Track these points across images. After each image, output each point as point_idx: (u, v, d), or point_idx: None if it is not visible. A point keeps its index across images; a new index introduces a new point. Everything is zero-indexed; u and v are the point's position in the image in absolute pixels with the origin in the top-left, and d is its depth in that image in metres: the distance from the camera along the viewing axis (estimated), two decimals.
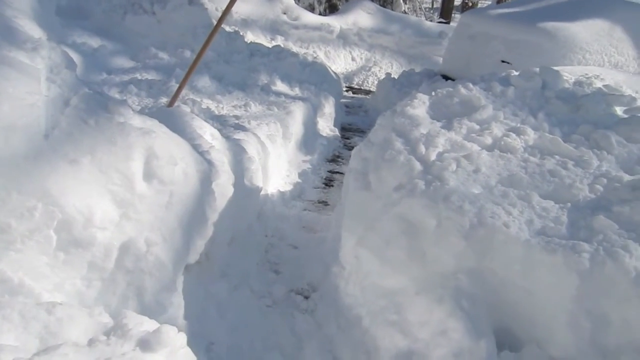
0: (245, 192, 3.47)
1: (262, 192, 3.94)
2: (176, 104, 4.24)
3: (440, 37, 11.58)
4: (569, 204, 2.22)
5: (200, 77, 5.55)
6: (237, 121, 4.54)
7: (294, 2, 11.24)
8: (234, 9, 10.00)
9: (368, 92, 9.48)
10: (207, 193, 2.68)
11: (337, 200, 4.58)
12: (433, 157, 2.51)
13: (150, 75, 5.45)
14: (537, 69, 3.22)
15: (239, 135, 3.94)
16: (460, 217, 2.15)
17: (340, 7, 14.33)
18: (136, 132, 2.31)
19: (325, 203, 4.53)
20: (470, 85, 2.98)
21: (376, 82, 10.05)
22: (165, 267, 2.29)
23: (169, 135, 2.52)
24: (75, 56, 5.31)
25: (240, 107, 5.13)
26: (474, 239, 2.12)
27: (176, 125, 3.03)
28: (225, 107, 5.06)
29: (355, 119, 7.44)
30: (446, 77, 7.61)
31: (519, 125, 2.71)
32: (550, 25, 6.60)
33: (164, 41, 6.17)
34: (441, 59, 11.71)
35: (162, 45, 6.09)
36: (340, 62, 10.77)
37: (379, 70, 10.56)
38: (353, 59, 10.97)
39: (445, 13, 18.36)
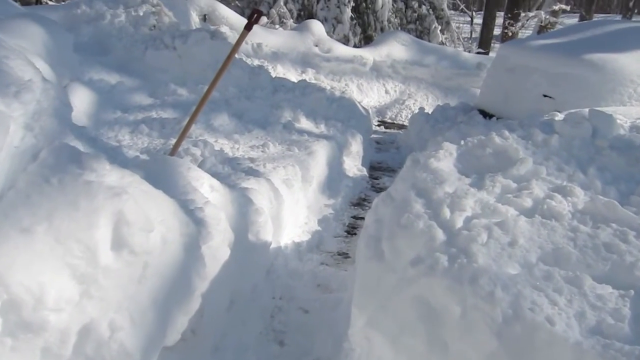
0: (250, 249, 3.09)
1: (274, 245, 3.56)
2: (183, 146, 3.93)
3: (478, 69, 11.12)
4: (631, 291, 1.75)
5: (219, 115, 5.26)
6: (251, 164, 4.19)
7: (326, 34, 11.01)
8: (264, 41, 9.83)
9: (401, 127, 9.07)
10: (195, 259, 2.31)
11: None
12: (459, 223, 2.07)
13: (166, 113, 5.20)
14: (586, 112, 2.76)
15: (249, 183, 3.58)
16: (491, 308, 1.71)
17: (375, 38, 14.08)
18: (105, 193, 1.97)
19: (345, 255, 4.11)
20: (506, 133, 2.54)
21: (410, 116, 9.66)
22: (131, 355, 1.91)
23: (148, 194, 2.17)
24: (90, 94, 5.13)
25: (257, 147, 4.79)
26: (509, 338, 1.67)
27: (169, 177, 2.69)
28: (242, 147, 4.74)
29: (385, 156, 7.03)
30: (483, 112, 7.14)
31: (565, 183, 2.26)
32: (596, 56, 6.10)
33: (184, 77, 5.94)
34: (478, 90, 11.34)
35: (182, 81, 5.86)
36: (373, 95, 10.42)
37: (414, 104, 10.15)
38: (387, 92, 10.62)
39: (484, 43, 17.89)
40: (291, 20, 13.29)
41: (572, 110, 3.05)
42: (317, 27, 10.87)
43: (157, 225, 2.09)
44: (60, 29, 5.20)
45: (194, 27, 8.30)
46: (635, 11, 32.16)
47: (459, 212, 2.12)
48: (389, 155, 7.09)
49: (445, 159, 2.43)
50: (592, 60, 6.04)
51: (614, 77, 5.96)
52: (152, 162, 2.84)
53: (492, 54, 17.40)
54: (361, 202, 5.29)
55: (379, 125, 8.87)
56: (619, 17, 31.47)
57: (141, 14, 6.60)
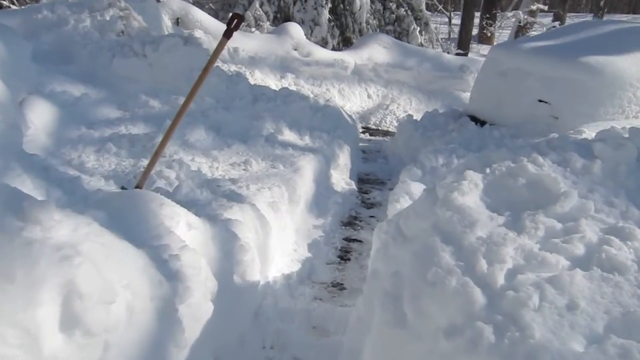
0: (235, 293, 2.65)
1: (261, 283, 3.13)
2: (156, 168, 3.47)
3: (461, 71, 10.81)
4: None
5: (195, 129, 4.80)
6: (233, 187, 3.74)
7: (304, 37, 10.58)
8: (240, 45, 9.37)
9: (386, 133, 8.69)
10: (171, 326, 1.87)
11: (355, 281, 3.76)
12: (501, 279, 1.67)
13: (136, 128, 4.71)
14: (626, 129, 2.38)
15: (232, 212, 3.13)
16: None
17: (354, 40, 13.70)
18: (50, 257, 1.51)
19: (340, 286, 3.69)
20: (540, 159, 2.15)
21: (395, 122, 9.28)
22: None
23: (110, 249, 1.72)
24: (51, 108, 4.59)
25: (239, 165, 4.34)
26: None
27: (138, 218, 2.24)
28: (222, 166, 4.28)
29: (373, 167, 6.62)
30: (474, 118, 6.79)
31: (620, 223, 1.87)
32: (594, 59, 5.78)
33: (155, 87, 5.45)
34: (462, 93, 11.02)
35: (154, 92, 5.37)
36: (355, 100, 10.02)
37: (397, 108, 9.79)
38: (369, 96, 10.22)
39: (463, 44, 17.65)
40: (267, 23, 12.83)
41: (604, 126, 2.67)
42: (295, 30, 10.44)
43: (121, 291, 1.64)
44: (15, 36, 4.68)
45: (166, 32, 7.80)
46: (606, 10, 32.45)
47: (498, 264, 1.71)
48: (377, 165, 6.69)
49: (470, 193, 2.03)
50: (589, 64, 5.72)
51: (613, 81, 5.65)
52: (117, 198, 2.38)
53: (471, 55, 17.20)
54: (352, 221, 4.88)
55: (363, 132, 8.48)
56: (590, 16, 31.69)
57: (108, 18, 6.09)
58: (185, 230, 2.39)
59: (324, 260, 4.03)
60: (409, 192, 4.34)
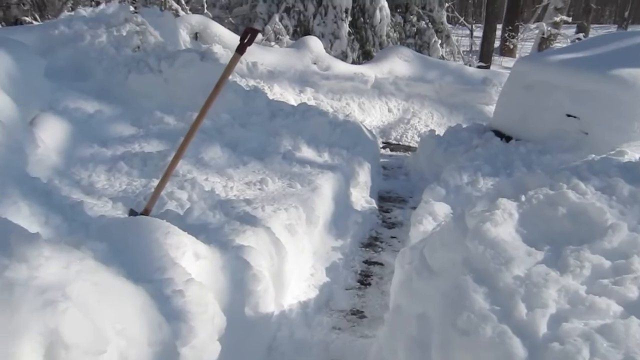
0: (247, 327, 2.47)
1: (276, 312, 2.94)
2: (167, 189, 3.32)
3: (484, 84, 10.56)
4: None
5: (210, 146, 4.65)
6: (247, 208, 3.58)
7: (324, 51, 10.45)
8: (259, 59, 9.26)
9: (408, 148, 8.47)
10: None
11: (376, 308, 3.55)
12: (543, 328, 1.46)
13: (150, 146, 4.59)
14: None
15: (244, 237, 2.96)
16: None
17: (374, 53, 13.55)
18: (32, 302, 1.35)
19: (360, 314, 3.48)
20: (582, 186, 1.93)
21: (416, 136, 9.07)
22: None
23: (103, 289, 1.55)
24: (64, 125, 4.49)
25: (254, 184, 4.18)
26: None
27: (140, 249, 2.07)
28: (237, 185, 4.12)
29: (394, 184, 6.41)
30: (499, 133, 6.55)
31: None
32: (625, 72, 5.52)
33: (171, 103, 5.33)
34: (485, 107, 10.77)
35: (169, 108, 5.25)
36: (375, 114, 9.83)
37: (418, 122, 9.57)
38: (389, 110, 10.02)
39: (485, 56, 17.40)
40: (287, 37, 12.75)
41: None
42: (315, 43, 10.32)
43: (114, 339, 1.47)
44: (28, 52, 4.60)
45: (184, 47, 7.72)
46: (630, 21, 31.88)
47: (540, 309, 1.50)
48: (398, 183, 6.47)
49: (504, 224, 1.82)
50: (621, 76, 5.46)
51: None
52: (119, 226, 2.22)
53: (493, 68, 16.92)
54: (373, 242, 4.67)
55: (384, 147, 8.27)
56: (614, 28, 31.17)
57: (124, 33, 6.01)
58: (192, 260, 2.22)
59: (343, 285, 3.83)
60: (432, 212, 4.12)
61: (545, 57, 6.52)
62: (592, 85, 5.63)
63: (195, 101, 5.33)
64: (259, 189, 4.10)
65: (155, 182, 3.67)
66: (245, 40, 2.81)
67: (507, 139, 6.32)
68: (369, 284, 3.91)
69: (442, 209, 4.19)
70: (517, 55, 20.69)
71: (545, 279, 1.59)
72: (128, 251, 2.01)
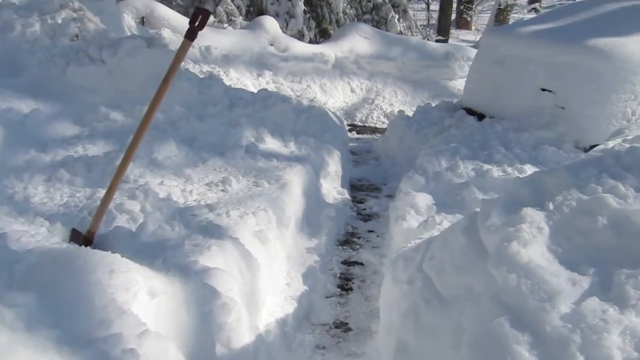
0: None
1: (251, 339, 2.53)
2: (115, 200, 2.86)
3: (446, 59, 10.31)
4: None
5: (164, 144, 4.17)
6: (210, 215, 3.15)
7: (280, 31, 9.94)
8: (213, 43, 8.71)
9: (375, 130, 8.13)
10: None
11: (360, 318, 3.20)
12: None
13: (96, 147, 4.07)
14: None
15: (209, 255, 2.54)
16: None
17: (331, 31, 13.10)
18: None
19: (345, 327, 3.12)
20: (622, 188, 1.58)
21: (382, 117, 8.73)
22: None
23: None
24: None
25: (216, 185, 3.73)
26: None
27: (77, 298, 1.63)
28: (196, 187, 3.66)
29: (365, 170, 6.05)
30: (470, 111, 6.26)
31: None
32: (602, 42, 5.27)
33: (117, 97, 4.79)
34: (449, 82, 10.50)
35: (115, 103, 4.72)
36: (338, 95, 9.43)
37: (383, 101, 9.23)
38: (352, 91, 9.65)
39: (443, 30, 17.14)
40: (240, 18, 12.14)
41: None
42: (270, 23, 9.80)
43: None
44: None
45: (129, 34, 7.11)
46: None
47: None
48: (369, 169, 6.11)
49: (534, 242, 1.47)
50: (598, 47, 5.21)
51: (624, 65, 5.15)
52: (50, 268, 1.76)
53: (451, 41, 16.68)
54: (349, 239, 4.31)
55: (350, 130, 7.88)
56: None
57: (60, 21, 5.40)
58: (146, 301, 1.79)
59: (323, 292, 3.46)
60: (413, 205, 3.78)
61: (515, 28, 6.22)
62: (567, 57, 5.37)
63: (145, 93, 4.79)
64: (222, 190, 3.66)
65: (102, 192, 3.18)
66: (196, 24, 2.35)
67: (480, 116, 6.04)
68: (351, 289, 3.55)
69: (424, 200, 3.85)
70: (472, 28, 20.53)
71: (603, 320, 1.24)
72: (62, 302, 1.57)
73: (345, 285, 3.60)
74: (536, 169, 4.45)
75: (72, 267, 1.75)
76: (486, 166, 4.34)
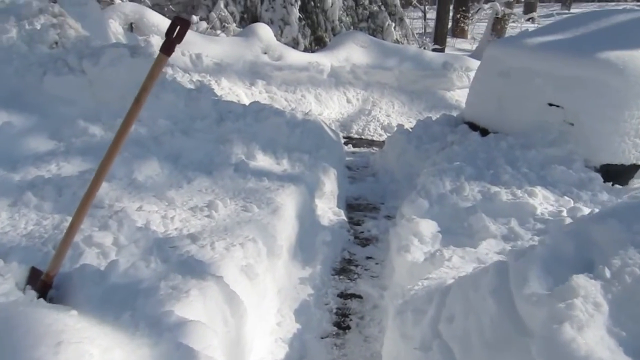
0: None
1: None
2: (84, 232, 2.52)
3: (444, 69, 10.01)
4: None
5: (145, 162, 3.84)
6: (192, 247, 2.81)
7: (274, 38, 9.63)
8: (204, 50, 8.40)
9: (371, 143, 7.82)
10: None
11: None
12: None
13: (70, 166, 3.72)
14: None
15: (188, 302, 2.19)
16: None
17: (327, 39, 12.82)
18: None
19: None
20: None
21: (379, 129, 8.43)
22: None
23: None
24: None
25: (201, 209, 3.38)
26: None
27: None
28: (179, 213, 3.31)
29: (362, 188, 5.72)
30: (474, 127, 5.96)
31: None
32: (614, 55, 4.97)
33: (97, 109, 4.44)
34: (447, 93, 10.21)
35: (95, 116, 4.37)
36: (333, 106, 9.12)
37: (380, 112, 8.93)
38: (348, 101, 9.34)
39: (440, 39, 16.90)
40: (234, 25, 11.83)
41: None
42: (264, 31, 9.48)
43: None
44: None
45: (114, 41, 6.77)
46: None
47: None
48: (366, 186, 5.79)
49: (592, 323, 1.14)
50: (610, 60, 4.91)
51: (638, 80, 4.84)
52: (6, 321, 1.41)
53: (447, 50, 16.43)
54: (346, 267, 3.98)
55: (345, 143, 7.56)
56: (557, 7, 31.29)
57: (38, 27, 5.05)
58: None
59: (317, 332, 3.12)
60: (417, 233, 3.45)
61: (521, 39, 5.92)
62: (576, 71, 5.07)
63: (126, 105, 4.45)
64: (207, 216, 3.31)
65: (69, 220, 2.84)
66: (174, 36, 2.02)
67: (483, 132, 5.73)
68: (348, 327, 3.22)
69: (429, 228, 3.53)
70: (468, 36, 20.32)
71: None
72: None
73: (342, 322, 3.26)
74: (547, 192, 4.15)
75: (10, 340, 1.40)
76: (494, 188, 4.03)
